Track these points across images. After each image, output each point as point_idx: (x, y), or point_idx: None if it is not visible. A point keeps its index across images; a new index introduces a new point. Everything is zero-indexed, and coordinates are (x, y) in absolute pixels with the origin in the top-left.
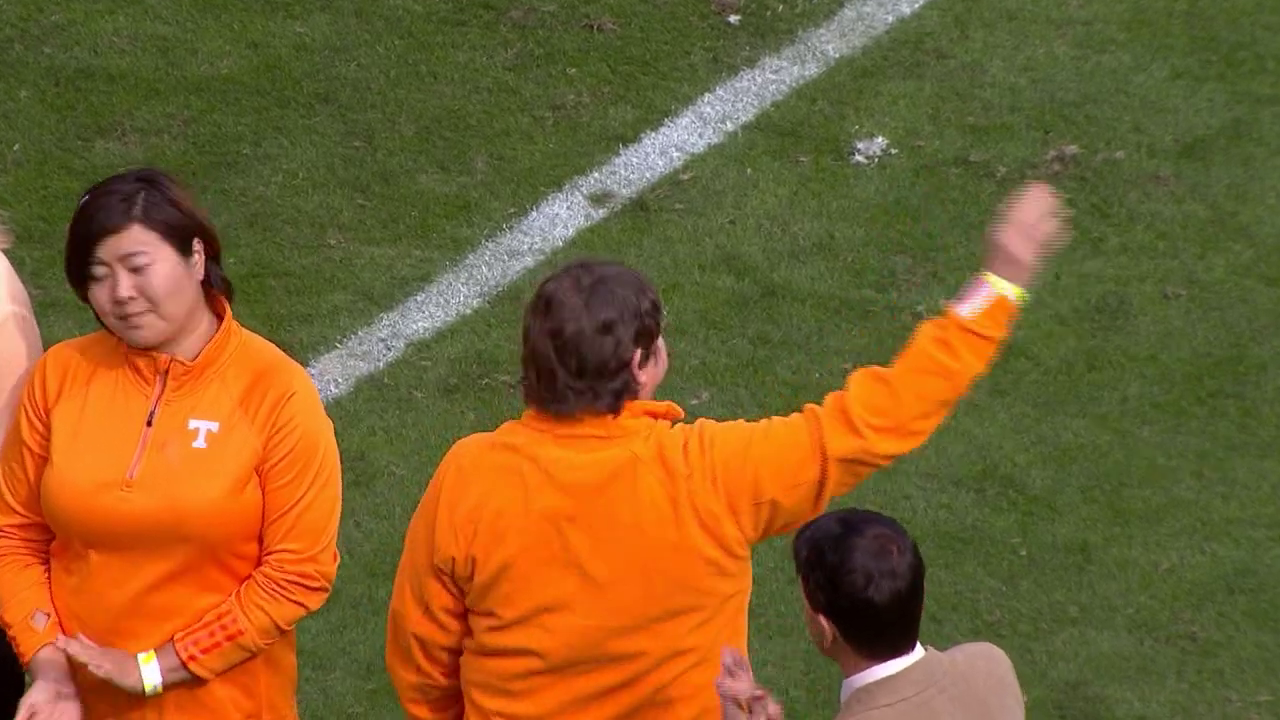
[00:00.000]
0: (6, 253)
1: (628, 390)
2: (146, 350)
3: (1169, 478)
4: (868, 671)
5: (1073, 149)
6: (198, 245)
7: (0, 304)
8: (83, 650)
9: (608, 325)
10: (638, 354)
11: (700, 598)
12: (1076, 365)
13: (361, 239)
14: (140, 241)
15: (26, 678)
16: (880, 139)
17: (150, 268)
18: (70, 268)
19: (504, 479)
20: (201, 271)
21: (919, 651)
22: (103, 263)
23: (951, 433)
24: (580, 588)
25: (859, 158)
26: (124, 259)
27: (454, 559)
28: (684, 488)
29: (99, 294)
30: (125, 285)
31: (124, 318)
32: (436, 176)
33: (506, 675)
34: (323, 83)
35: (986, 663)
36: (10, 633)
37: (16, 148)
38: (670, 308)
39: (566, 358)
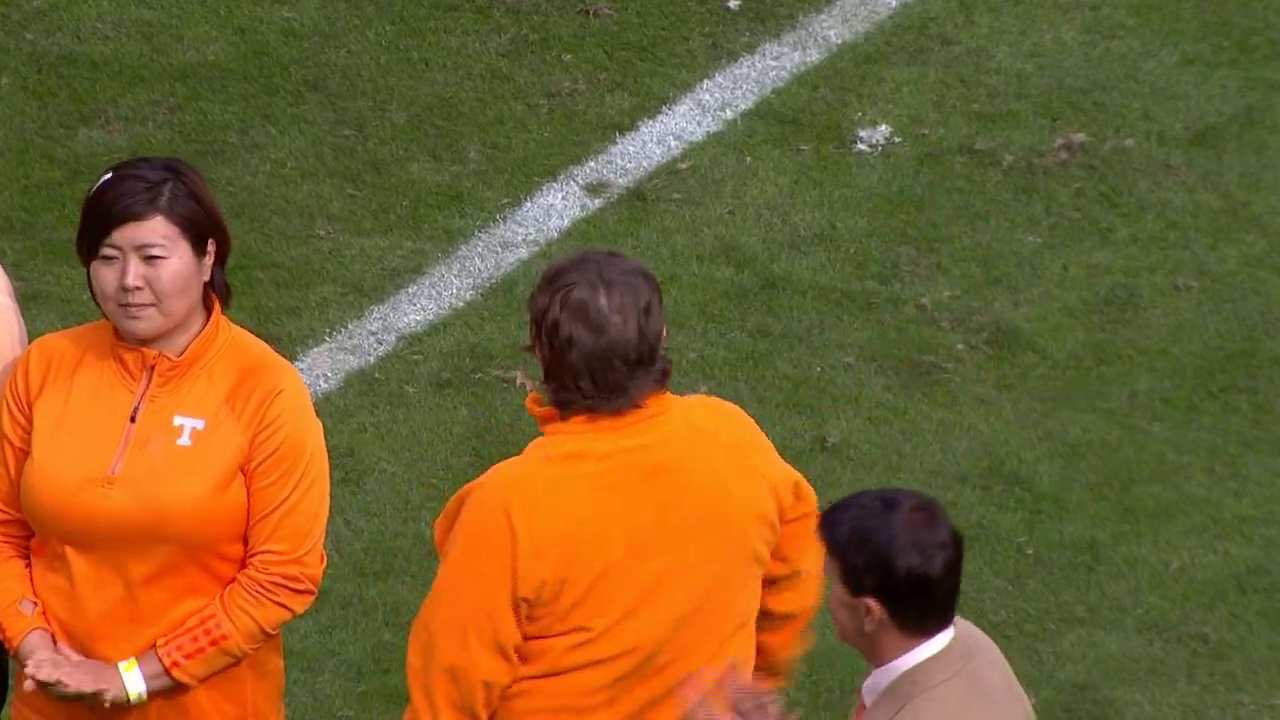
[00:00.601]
0: None
1: (667, 363)
2: (138, 343)
3: (1180, 474)
4: (911, 653)
5: (1081, 137)
6: (211, 245)
7: None
8: (56, 671)
9: (649, 308)
10: (664, 328)
11: (759, 566)
12: (1085, 359)
13: (351, 230)
14: (160, 234)
15: (10, 676)
16: (883, 127)
17: (164, 262)
18: (81, 242)
19: (580, 488)
20: (209, 272)
21: (952, 626)
22: (116, 247)
23: (957, 428)
24: (670, 573)
25: (861, 146)
26: (140, 248)
27: (544, 583)
28: (750, 450)
29: (105, 276)
30: (134, 274)
31: (125, 305)
32: (428, 166)
33: (589, 689)
34: (312, 69)
35: (978, 631)
36: None
37: None
38: (668, 299)
39: (626, 351)
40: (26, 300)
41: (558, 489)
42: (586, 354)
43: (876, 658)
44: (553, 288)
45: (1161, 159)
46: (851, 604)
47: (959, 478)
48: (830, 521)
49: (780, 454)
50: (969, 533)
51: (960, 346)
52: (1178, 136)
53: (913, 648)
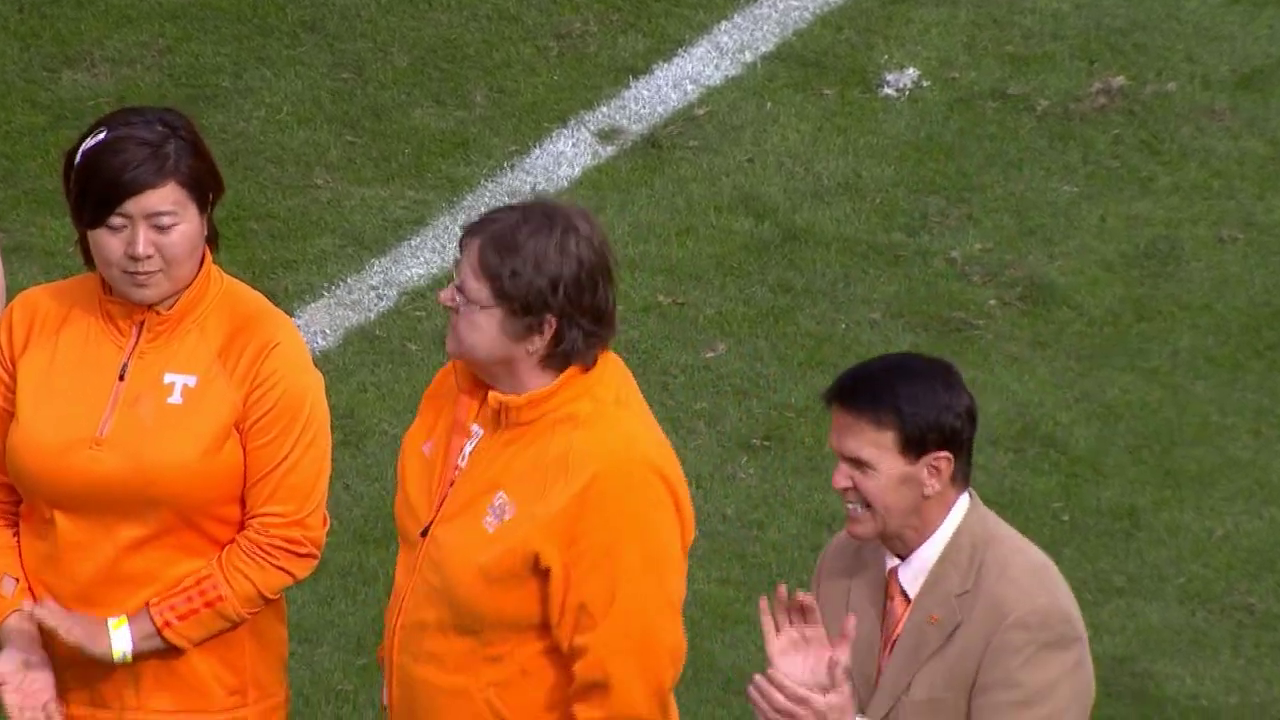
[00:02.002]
0: None
1: None
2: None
3: (1224, 436)
4: (952, 513)
5: (1120, 80)
6: (211, 198)
7: None
8: (50, 616)
9: None
10: None
11: None
12: (1124, 315)
13: (351, 179)
14: (172, 200)
15: None
16: (911, 70)
17: (175, 228)
18: (82, 210)
19: (649, 421)
20: (207, 226)
21: None
22: (126, 216)
23: (988, 389)
24: None
25: (888, 90)
26: (151, 216)
27: (692, 515)
28: None
29: (110, 244)
30: (145, 242)
31: (133, 273)
32: (432, 111)
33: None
34: (308, 9)
35: None
36: None
37: None
38: (685, 252)
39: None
40: (8, 253)
41: (651, 427)
42: (611, 282)
43: (922, 530)
44: (547, 240)
45: (1205, 104)
46: (911, 473)
47: (990, 440)
48: (865, 393)
49: (803, 414)
50: (1001, 499)
51: (992, 302)
52: (1223, 79)
53: (954, 502)
